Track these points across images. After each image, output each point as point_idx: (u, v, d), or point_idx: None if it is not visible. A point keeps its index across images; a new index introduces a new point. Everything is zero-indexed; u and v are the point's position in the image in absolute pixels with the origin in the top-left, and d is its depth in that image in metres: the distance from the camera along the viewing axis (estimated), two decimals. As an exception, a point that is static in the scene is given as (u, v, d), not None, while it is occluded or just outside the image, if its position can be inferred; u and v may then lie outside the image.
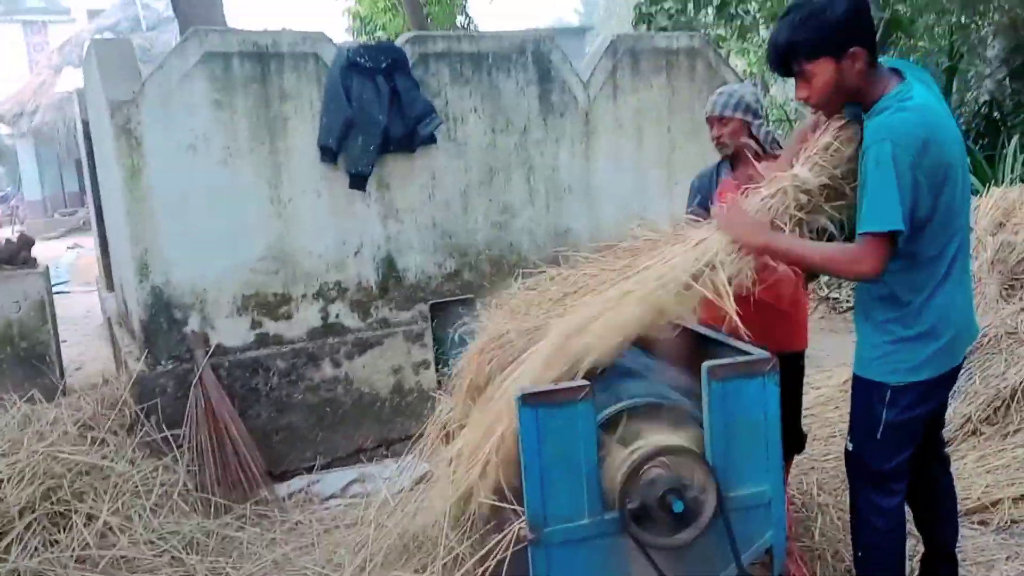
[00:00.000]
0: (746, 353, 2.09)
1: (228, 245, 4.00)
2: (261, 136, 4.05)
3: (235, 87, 3.98)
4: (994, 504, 3.21)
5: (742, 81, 5.41)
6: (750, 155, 2.82)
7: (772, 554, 2.10)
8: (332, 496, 3.85)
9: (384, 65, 4.20)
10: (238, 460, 3.80)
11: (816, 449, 3.82)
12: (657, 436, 1.99)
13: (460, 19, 14.70)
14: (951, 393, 2.54)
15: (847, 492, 3.28)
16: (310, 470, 4.11)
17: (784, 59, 2.14)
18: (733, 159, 3.01)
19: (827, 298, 6.73)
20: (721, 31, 10.25)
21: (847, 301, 6.53)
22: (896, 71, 2.17)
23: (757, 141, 2.93)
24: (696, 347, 2.34)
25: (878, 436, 2.20)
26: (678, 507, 1.89)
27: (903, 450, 2.23)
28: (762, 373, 2.02)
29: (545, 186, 4.77)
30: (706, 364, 2.00)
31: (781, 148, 2.87)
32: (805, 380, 4.86)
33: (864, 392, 2.24)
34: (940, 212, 2.08)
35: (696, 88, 5.16)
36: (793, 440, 3.06)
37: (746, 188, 2.39)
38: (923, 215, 2.05)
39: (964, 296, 2.23)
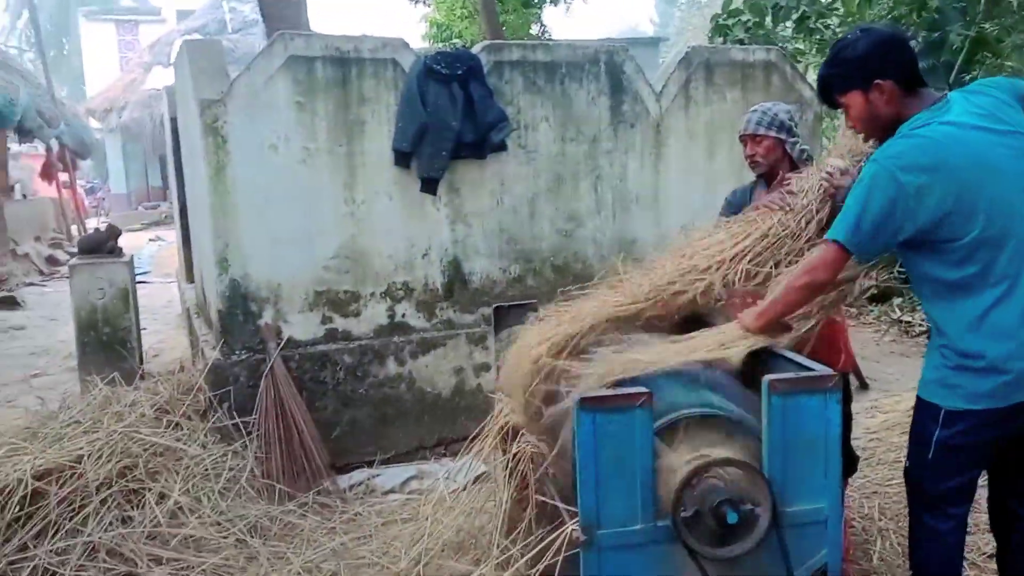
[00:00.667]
0: (808, 369, 2.09)
1: (303, 243, 4.15)
2: (339, 138, 4.18)
3: (316, 90, 4.12)
4: None
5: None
6: (784, 173, 2.85)
7: (827, 573, 2.08)
8: (391, 490, 3.95)
9: (460, 72, 4.30)
10: (303, 450, 3.92)
11: (880, 473, 3.75)
12: (714, 446, 2.00)
13: (535, 27, 14.83)
14: None
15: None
16: (371, 464, 4.22)
17: (825, 93, 2.31)
18: (768, 177, 3.02)
19: (899, 321, 6.56)
20: (800, 45, 10.08)
21: (920, 325, 6.36)
22: (945, 96, 2.19)
23: (791, 159, 2.94)
24: (757, 360, 2.34)
25: (929, 456, 2.20)
26: (732, 518, 1.90)
27: (958, 474, 2.20)
28: (824, 389, 2.01)
29: (612, 195, 4.80)
30: (767, 377, 2.01)
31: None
32: (873, 404, 4.81)
33: (921, 411, 2.26)
34: (959, 236, 2.06)
35: (772, 100, 5.09)
36: (844, 462, 3.02)
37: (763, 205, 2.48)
38: (914, 237, 2.10)
39: None
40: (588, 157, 4.72)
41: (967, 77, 8.14)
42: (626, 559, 2.01)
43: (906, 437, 4.03)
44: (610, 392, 2.01)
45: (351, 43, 4.21)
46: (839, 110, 2.31)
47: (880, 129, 2.24)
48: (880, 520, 3.25)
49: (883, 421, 4.37)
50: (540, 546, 2.11)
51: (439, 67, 4.27)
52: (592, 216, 4.76)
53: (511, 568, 2.29)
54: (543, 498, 2.18)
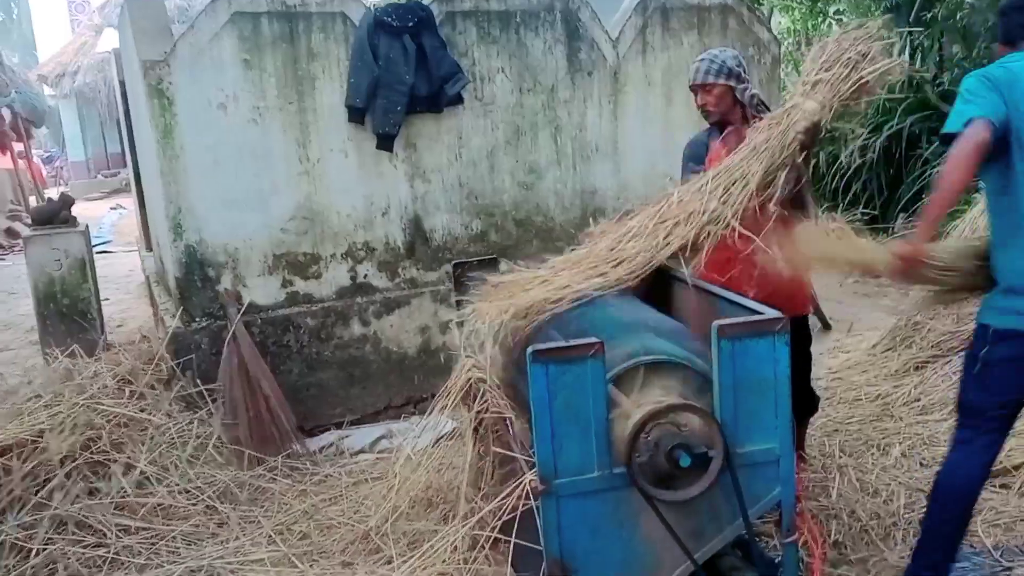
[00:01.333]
0: (757, 312, 2.10)
1: (258, 204, 4.08)
2: (289, 95, 4.09)
3: (264, 46, 4.02)
4: (1016, 468, 3.20)
5: (776, 37, 5.31)
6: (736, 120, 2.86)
7: (781, 510, 2.13)
8: (361, 451, 3.96)
9: (411, 24, 4.20)
10: (270, 415, 3.91)
11: (841, 412, 3.83)
12: (666, 392, 2.01)
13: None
14: None
15: (868, 455, 3.32)
16: (340, 426, 4.22)
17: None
18: (721, 124, 3.01)
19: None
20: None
21: (883, 263, 6.43)
22: None
23: (742, 105, 2.93)
24: (708, 306, 2.36)
25: (975, 371, 2.33)
26: (685, 462, 1.93)
27: (999, 393, 2.30)
28: (772, 332, 2.03)
29: (572, 146, 4.76)
30: (715, 323, 2.02)
31: (768, 109, 2.88)
32: (835, 344, 4.88)
33: (974, 333, 2.38)
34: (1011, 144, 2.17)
35: (728, 45, 5.04)
36: (805, 402, 3.09)
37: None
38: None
39: None
40: (546, 107, 4.66)
41: (927, 15, 8.14)
42: (584, 506, 2.04)
43: (867, 376, 4.16)
44: (562, 344, 2.01)
45: (298, -3, 4.09)
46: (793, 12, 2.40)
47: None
48: (840, 457, 3.32)
49: (844, 361, 4.44)
50: (500, 496, 2.14)
51: (390, 19, 4.18)
52: (552, 167, 4.73)
53: (474, 519, 2.32)
54: (501, 451, 2.19)
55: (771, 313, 2.08)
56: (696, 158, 3.05)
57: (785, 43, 12.95)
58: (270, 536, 3.13)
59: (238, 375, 3.92)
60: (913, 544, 2.48)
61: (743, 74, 2.97)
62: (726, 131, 2.98)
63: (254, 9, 3.99)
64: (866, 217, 7.04)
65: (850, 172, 7.45)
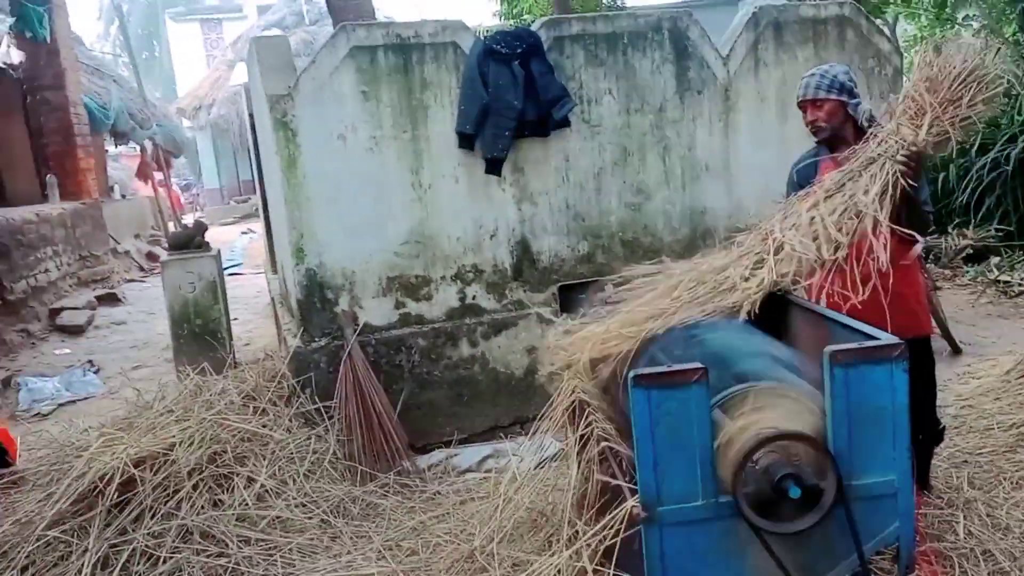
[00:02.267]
0: (872, 338, 2.01)
1: (374, 229, 4.24)
2: (403, 124, 4.24)
3: (380, 78, 4.19)
4: None
5: (898, 48, 5.08)
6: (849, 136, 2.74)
7: (899, 546, 2.02)
8: (468, 470, 4.02)
9: (520, 51, 4.28)
10: (383, 432, 4.03)
11: (971, 442, 3.59)
12: (774, 420, 1.95)
13: (606, -1, 14.54)
14: None
15: (999, 488, 3.10)
16: (448, 444, 4.30)
17: None
18: (831, 142, 2.89)
19: (996, 281, 6.20)
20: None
21: (1020, 284, 6.01)
22: None
23: (854, 121, 2.81)
24: (821, 330, 2.27)
25: None
26: (794, 493, 1.86)
27: None
28: (889, 359, 1.94)
29: (681, 166, 4.70)
30: (827, 349, 1.95)
31: (880, 125, 2.74)
32: (966, 369, 4.59)
33: None
34: None
35: (847, 57, 4.90)
36: (928, 431, 2.93)
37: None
38: None
39: None
40: (654, 127, 4.63)
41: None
42: (688, 535, 2.00)
43: (999, 404, 3.88)
44: (665, 369, 1.99)
45: (411, 29, 4.25)
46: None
47: None
48: (968, 491, 3.11)
49: (976, 387, 4.16)
50: (602, 523, 2.12)
51: (499, 47, 4.27)
52: (661, 188, 4.68)
53: (578, 543, 2.31)
54: (603, 477, 2.18)
55: (888, 338, 1.98)
56: (805, 178, 2.95)
57: (911, 52, 12.38)
58: (380, 551, 3.21)
59: (353, 393, 4.06)
60: None
61: (855, 89, 2.87)
62: (838, 149, 2.87)
63: (371, 43, 4.17)
64: (1000, 233, 6.64)
65: (983, 186, 7.00)
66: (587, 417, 2.54)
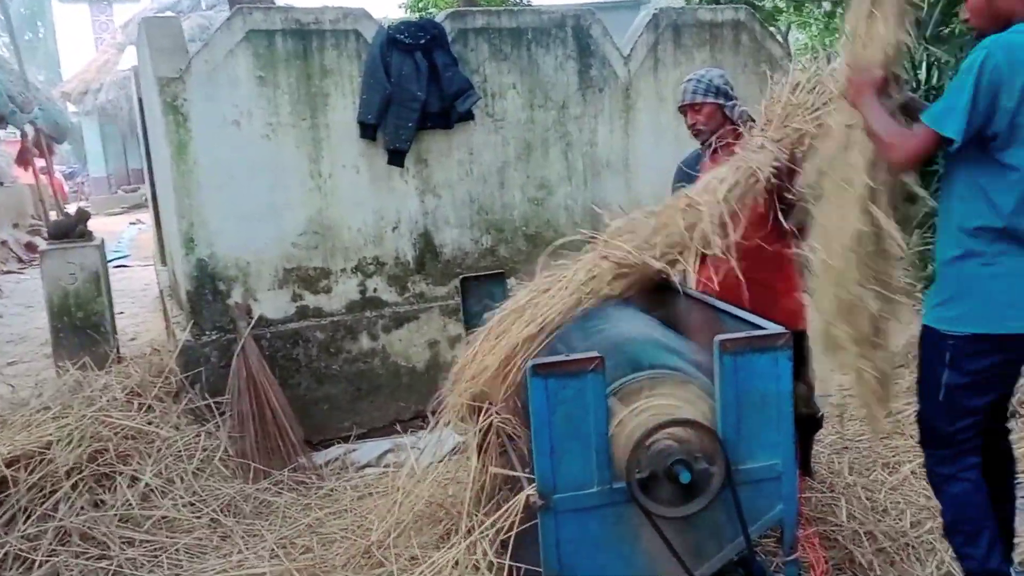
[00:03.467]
0: (759, 327, 2.08)
1: (270, 219, 4.11)
2: (302, 111, 4.13)
3: (278, 63, 4.06)
4: None
5: (789, 54, 5.30)
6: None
7: (783, 528, 2.09)
8: (367, 465, 3.95)
9: (423, 41, 4.24)
10: (277, 428, 3.91)
11: (851, 429, 3.77)
12: (667, 407, 2.00)
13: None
14: None
15: (877, 473, 3.27)
16: (347, 440, 4.22)
17: None
18: (712, 144, 3.02)
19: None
20: (779, 2, 10.00)
21: (900, 280, 6.36)
22: None
23: (732, 123, 2.94)
24: (710, 320, 2.34)
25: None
26: (685, 478, 1.91)
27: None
28: (775, 347, 2.01)
29: (583, 162, 4.76)
30: (718, 338, 2.00)
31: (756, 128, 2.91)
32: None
33: None
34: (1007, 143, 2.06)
35: (741, 61, 5.08)
36: (808, 418, 3.08)
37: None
38: (997, 130, 2.05)
39: None
40: (557, 123, 4.67)
41: (945, 31, 8.10)
42: (583, 522, 2.02)
43: (878, 393, 4.10)
44: (562, 358, 2.00)
45: (311, 15, 4.14)
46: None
47: (993, 23, 2.17)
48: (849, 476, 3.27)
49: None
50: (499, 513, 2.12)
51: (402, 37, 4.21)
52: (563, 183, 4.73)
53: (474, 535, 2.30)
54: (499, 468, 2.18)
55: (774, 328, 2.06)
56: (687, 178, 3.07)
57: (803, 58, 12.94)
58: (273, 550, 3.12)
59: (246, 388, 3.92)
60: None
61: (731, 92, 3.00)
62: (720, 150, 3.00)
63: (269, 27, 4.04)
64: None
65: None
66: (487, 409, 2.55)
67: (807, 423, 3.16)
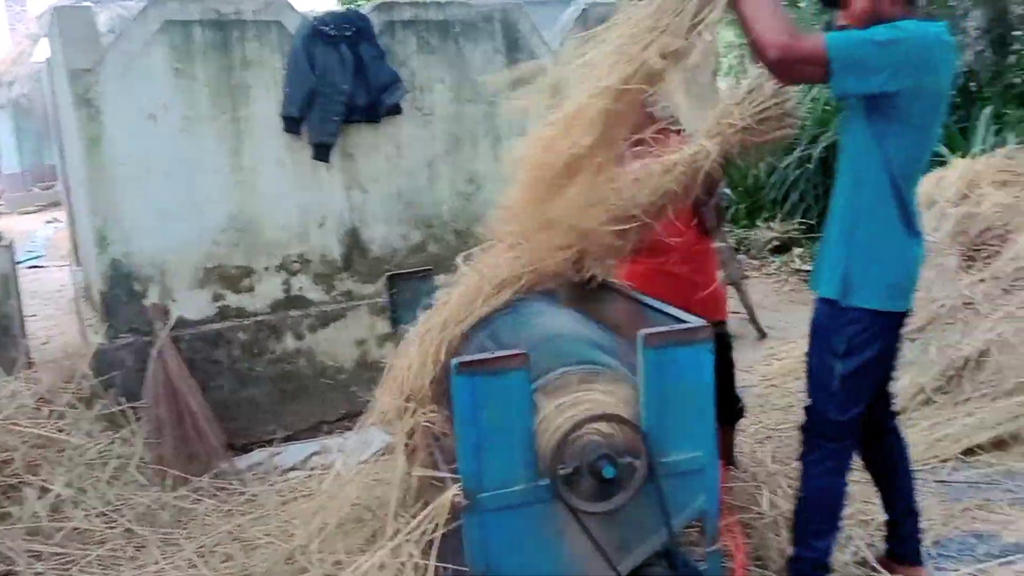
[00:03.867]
0: (681, 321, 2.09)
1: (189, 216, 3.97)
2: (223, 105, 4.00)
3: (196, 55, 3.93)
4: (943, 462, 3.33)
5: (715, 53, 5.38)
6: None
7: (705, 519, 2.11)
8: (292, 468, 3.85)
9: (349, 33, 4.15)
10: (197, 433, 3.78)
11: (774, 418, 3.85)
12: (591, 402, 1.98)
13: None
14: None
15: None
16: (271, 443, 4.11)
17: None
18: (636, 142, 3.05)
19: (799, 271, 6.75)
20: None
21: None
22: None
23: (651, 116, 2.98)
24: (635, 314, 2.34)
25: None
26: (608, 472, 1.90)
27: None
28: (696, 341, 2.02)
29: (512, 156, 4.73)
30: (641, 332, 2.00)
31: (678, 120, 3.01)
32: (770, 351, 4.94)
33: None
34: (910, 127, 2.11)
35: (667, 59, 5.12)
36: (730, 408, 3.14)
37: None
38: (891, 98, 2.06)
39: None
40: (487, 118, 4.63)
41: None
42: (508, 520, 1.99)
43: (800, 382, 4.19)
44: (487, 355, 1.97)
45: (231, 5, 4.01)
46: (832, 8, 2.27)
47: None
48: (771, 465, 3.33)
49: (778, 368, 4.49)
50: (423, 514, 2.07)
51: (327, 28, 4.12)
52: (493, 178, 4.70)
53: (398, 538, 2.25)
54: (423, 470, 2.14)
55: (695, 321, 2.07)
56: None
57: (729, 56, 13.20)
58: (191, 559, 3.01)
59: (164, 392, 3.78)
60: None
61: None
62: (640, 142, 3.02)
63: (186, 17, 3.90)
64: (803, 226, 7.20)
65: (789, 183, 7.58)
66: (414, 408, 2.50)
67: (730, 413, 3.21)
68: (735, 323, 5.35)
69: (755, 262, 7.20)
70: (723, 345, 3.08)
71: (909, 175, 2.21)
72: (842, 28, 2.20)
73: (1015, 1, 8.12)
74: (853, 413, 2.32)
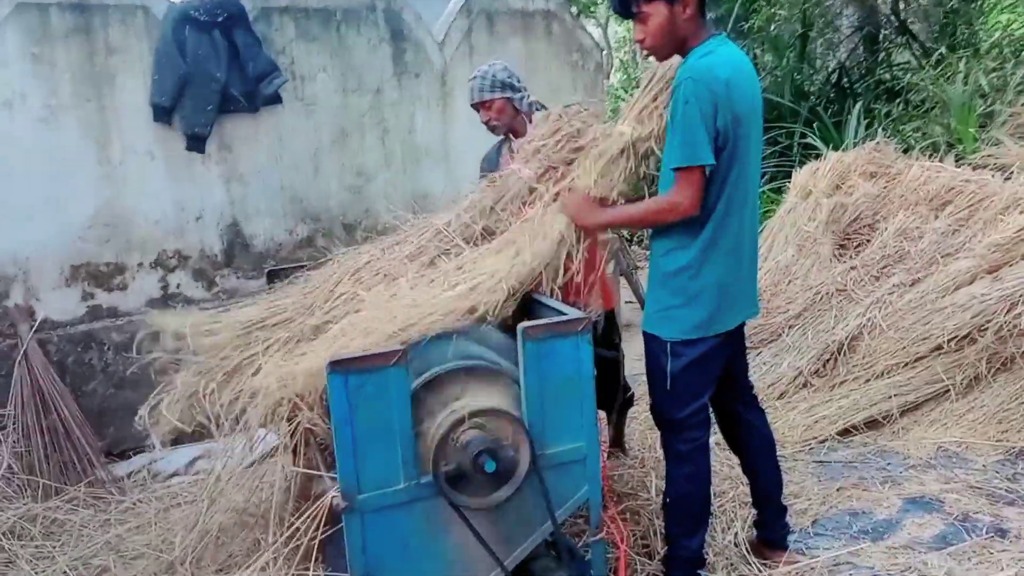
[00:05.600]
0: (561, 313, 2.10)
1: (53, 210, 3.73)
2: (86, 93, 3.77)
3: (55, 40, 3.69)
4: (821, 442, 3.48)
5: (598, 44, 5.45)
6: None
7: (590, 508, 2.13)
8: (175, 474, 3.69)
9: (221, 19, 3.98)
10: (70, 440, 3.58)
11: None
12: (473, 397, 1.97)
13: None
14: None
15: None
16: (152, 448, 3.92)
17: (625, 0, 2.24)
18: (511, 134, 3.09)
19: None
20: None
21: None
22: (719, 32, 2.30)
23: (526, 114, 3.02)
24: (521, 308, 2.34)
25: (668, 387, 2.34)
26: (490, 467, 1.89)
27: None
28: (575, 332, 2.03)
29: (402, 148, 4.67)
30: (521, 325, 2.00)
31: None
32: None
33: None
34: (721, 161, 2.17)
35: (553, 50, 5.16)
36: (618, 397, 3.20)
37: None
38: (722, 144, 2.16)
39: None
40: (373, 109, 4.55)
41: (745, 26, 8.66)
42: (390, 520, 1.96)
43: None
44: (362, 352, 1.92)
45: (93, -13, 3.78)
46: (628, 20, 2.30)
47: (670, 46, 2.25)
48: (659, 450, 3.40)
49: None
50: (302, 519, 2.02)
51: (197, 14, 3.94)
52: (382, 170, 4.62)
53: (277, 542, 2.19)
54: (298, 469, 2.08)
55: (574, 313, 2.08)
56: (490, 167, 3.13)
57: (621, 51, 13.45)
58: (65, 572, 2.84)
59: (31, 398, 3.56)
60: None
61: (517, 83, 3.04)
62: (513, 142, 3.07)
63: (41, 0, 3.65)
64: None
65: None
66: (296, 408, 2.42)
67: (620, 402, 3.27)
68: (627, 312, 5.46)
69: (647, 252, 7.37)
70: (612, 334, 3.14)
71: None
72: (639, 42, 2.27)
73: (884, 1, 8.58)
74: (693, 408, 2.35)
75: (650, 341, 2.37)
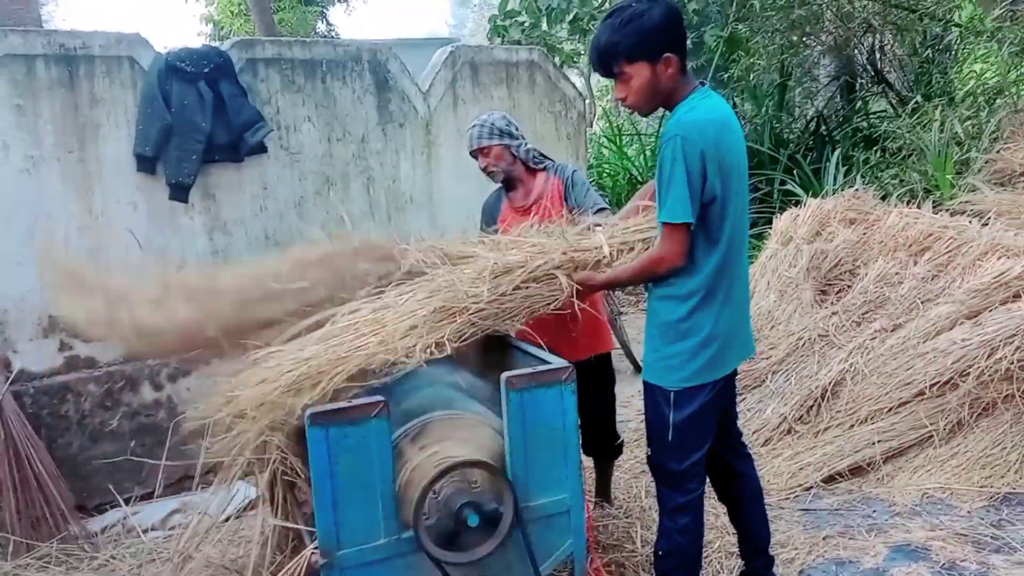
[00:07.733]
0: (545, 362, 2.09)
1: (31, 261, 3.69)
2: (69, 143, 3.76)
3: (40, 91, 3.69)
4: (807, 490, 3.46)
5: (580, 93, 5.53)
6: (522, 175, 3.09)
7: (574, 561, 2.09)
8: (151, 528, 3.60)
9: (207, 70, 4.01)
10: (43, 495, 3.49)
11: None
12: (454, 449, 1.94)
13: (321, 26, 14.37)
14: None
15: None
16: (128, 502, 3.83)
17: (605, 60, 2.23)
18: (507, 182, 3.12)
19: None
20: (576, 46, 10.49)
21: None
22: (701, 82, 2.31)
23: (523, 161, 3.06)
24: (499, 355, 2.33)
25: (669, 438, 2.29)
26: (473, 521, 1.86)
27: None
28: (559, 381, 2.02)
29: (386, 196, 4.69)
30: (504, 375, 1.98)
31: (549, 159, 3.14)
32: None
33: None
34: (712, 213, 2.18)
35: (536, 100, 5.23)
36: (608, 444, 3.16)
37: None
38: (708, 200, 2.18)
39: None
40: (357, 158, 4.57)
41: (725, 75, 8.82)
42: (371, 576, 1.91)
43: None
44: (343, 404, 1.90)
45: (79, 39, 3.79)
46: (610, 79, 2.29)
47: (653, 103, 2.26)
48: (644, 500, 3.37)
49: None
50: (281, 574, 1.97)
51: (183, 65, 3.96)
52: (366, 218, 4.62)
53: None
54: (282, 523, 2.03)
55: (558, 362, 2.07)
56: (491, 220, 3.14)
57: (604, 100, 13.66)
58: (34, 636, 2.75)
59: (4, 451, 3.47)
60: None
61: (515, 131, 3.08)
62: (516, 187, 3.10)
63: (28, 51, 3.66)
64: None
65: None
66: (273, 462, 2.38)
67: (608, 450, 3.23)
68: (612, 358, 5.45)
69: (631, 298, 7.38)
70: (608, 378, 3.13)
71: None
72: (620, 100, 2.27)
73: (860, 51, 8.79)
74: (693, 460, 2.31)
75: (652, 391, 2.32)
